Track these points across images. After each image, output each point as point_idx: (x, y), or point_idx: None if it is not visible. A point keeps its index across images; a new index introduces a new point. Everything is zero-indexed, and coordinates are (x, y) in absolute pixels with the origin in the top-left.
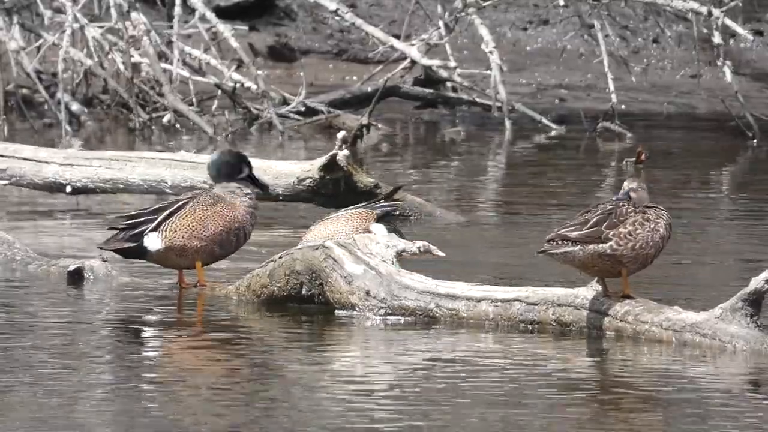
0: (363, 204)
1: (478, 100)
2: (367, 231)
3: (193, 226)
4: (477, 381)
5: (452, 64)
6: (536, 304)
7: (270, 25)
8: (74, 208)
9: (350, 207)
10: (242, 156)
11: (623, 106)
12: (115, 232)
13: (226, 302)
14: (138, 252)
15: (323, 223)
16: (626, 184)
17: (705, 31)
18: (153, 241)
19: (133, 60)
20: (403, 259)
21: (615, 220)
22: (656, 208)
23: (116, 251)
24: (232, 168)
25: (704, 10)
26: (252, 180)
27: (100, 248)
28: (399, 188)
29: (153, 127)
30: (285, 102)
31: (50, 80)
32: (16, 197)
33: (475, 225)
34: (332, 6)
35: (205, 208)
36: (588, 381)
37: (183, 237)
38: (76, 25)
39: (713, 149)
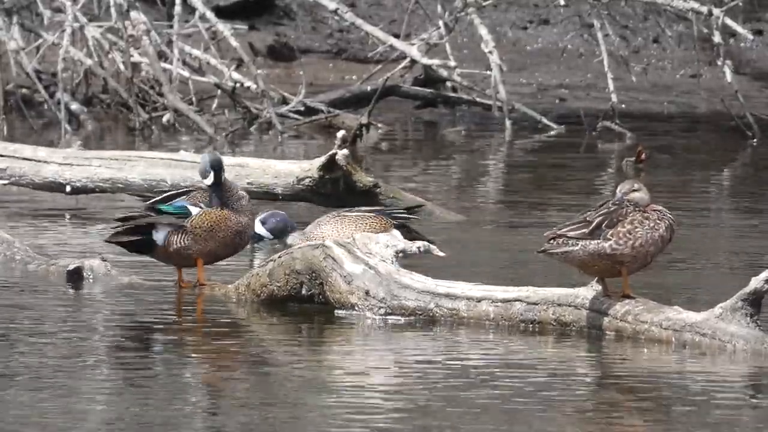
0: (379, 209)
1: (478, 99)
2: None
3: (212, 226)
4: (477, 381)
5: (452, 63)
6: (536, 304)
7: (270, 25)
8: (74, 207)
9: (366, 208)
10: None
11: (623, 106)
12: (121, 226)
13: (226, 302)
14: (145, 245)
15: (338, 220)
16: (620, 189)
17: (705, 30)
18: (162, 235)
19: (132, 59)
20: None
21: (615, 220)
22: (660, 211)
23: (123, 244)
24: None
25: (704, 9)
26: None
27: (108, 242)
28: (422, 206)
29: (153, 127)
30: (284, 101)
31: (50, 80)
32: (16, 197)
33: (475, 225)
34: (332, 5)
35: (220, 209)
36: (588, 381)
37: (202, 235)
38: (75, 25)
39: (713, 149)
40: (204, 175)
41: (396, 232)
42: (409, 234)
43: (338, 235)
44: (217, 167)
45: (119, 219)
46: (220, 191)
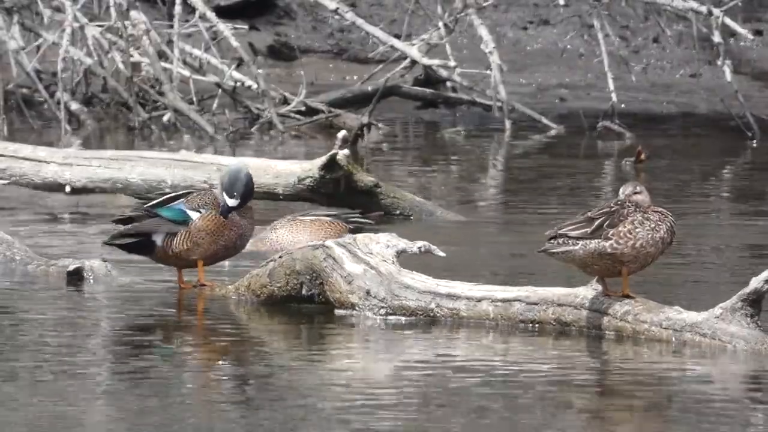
0: (335, 213)
1: (478, 100)
2: None
3: (215, 230)
4: (477, 381)
5: (452, 63)
6: (536, 304)
7: (270, 25)
8: (74, 207)
9: (321, 212)
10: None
11: (623, 106)
12: (120, 227)
13: (226, 302)
14: (145, 247)
15: (293, 224)
16: (622, 190)
17: (705, 30)
18: (161, 236)
19: (132, 59)
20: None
21: (616, 220)
22: (661, 212)
23: (121, 246)
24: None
25: (704, 9)
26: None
27: (106, 244)
28: (382, 214)
29: (153, 127)
30: (285, 101)
31: (50, 79)
32: (16, 197)
33: (475, 224)
34: (332, 5)
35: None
36: (588, 380)
37: (205, 239)
38: (75, 25)
39: (713, 149)
40: (230, 194)
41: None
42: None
43: (292, 240)
44: (247, 197)
45: (116, 220)
46: (234, 211)
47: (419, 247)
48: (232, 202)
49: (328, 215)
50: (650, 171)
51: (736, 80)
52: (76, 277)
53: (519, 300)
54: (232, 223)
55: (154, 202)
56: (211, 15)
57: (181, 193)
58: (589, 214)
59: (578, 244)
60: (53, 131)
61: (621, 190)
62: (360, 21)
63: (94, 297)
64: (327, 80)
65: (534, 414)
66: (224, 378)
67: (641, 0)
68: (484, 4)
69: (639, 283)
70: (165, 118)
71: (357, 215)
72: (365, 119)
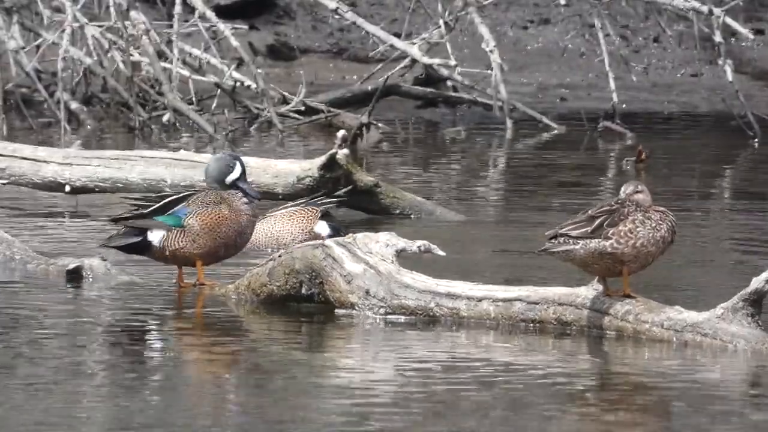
0: (304, 200)
1: (478, 99)
2: (312, 231)
3: (211, 226)
4: (477, 381)
5: (453, 63)
6: (537, 304)
7: (270, 24)
8: (73, 207)
9: (292, 203)
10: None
11: (624, 106)
12: (117, 228)
13: (226, 301)
14: (141, 247)
15: (266, 220)
16: (624, 189)
17: (706, 30)
18: (158, 236)
19: (132, 59)
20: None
21: (616, 219)
22: (663, 212)
23: (118, 247)
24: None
25: (705, 9)
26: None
27: (103, 246)
28: (349, 189)
29: (152, 126)
30: (285, 101)
31: (50, 79)
32: (16, 197)
33: (475, 224)
34: (332, 5)
35: (219, 209)
36: (588, 381)
37: (200, 236)
38: (75, 24)
39: (714, 148)
40: (228, 171)
41: (323, 224)
42: (334, 224)
43: (266, 235)
44: (239, 159)
45: (114, 220)
46: (247, 182)
47: (419, 247)
48: (235, 175)
49: (295, 205)
50: (651, 170)
51: (737, 80)
52: (75, 276)
53: (520, 299)
54: (230, 220)
55: (154, 207)
56: (210, 15)
57: (181, 195)
58: (589, 212)
59: (579, 243)
60: (53, 131)
61: (622, 189)
62: (360, 20)
63: (93, 296)
64: (327, 80)
65: (534, 414)
66: (223, 377)
67: None
68: (485, 3)
69: (640, 283)
70: (165, 118)
71: (322, 197)
72: (365, 119)
